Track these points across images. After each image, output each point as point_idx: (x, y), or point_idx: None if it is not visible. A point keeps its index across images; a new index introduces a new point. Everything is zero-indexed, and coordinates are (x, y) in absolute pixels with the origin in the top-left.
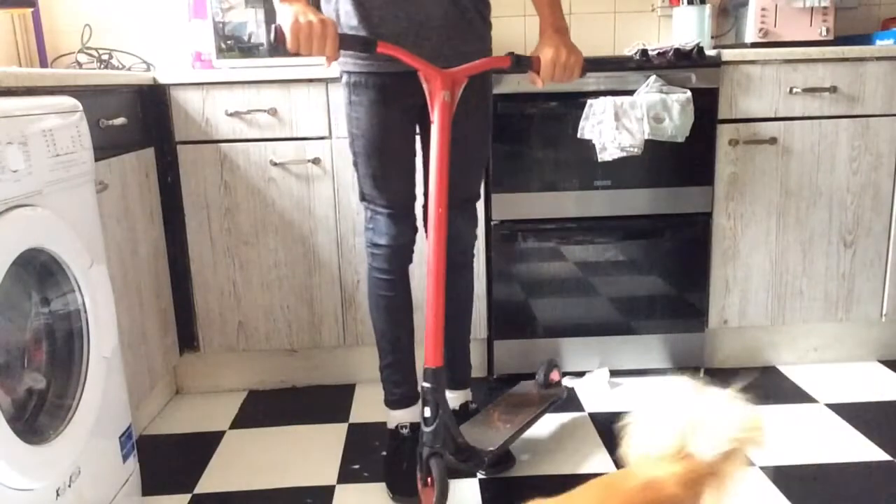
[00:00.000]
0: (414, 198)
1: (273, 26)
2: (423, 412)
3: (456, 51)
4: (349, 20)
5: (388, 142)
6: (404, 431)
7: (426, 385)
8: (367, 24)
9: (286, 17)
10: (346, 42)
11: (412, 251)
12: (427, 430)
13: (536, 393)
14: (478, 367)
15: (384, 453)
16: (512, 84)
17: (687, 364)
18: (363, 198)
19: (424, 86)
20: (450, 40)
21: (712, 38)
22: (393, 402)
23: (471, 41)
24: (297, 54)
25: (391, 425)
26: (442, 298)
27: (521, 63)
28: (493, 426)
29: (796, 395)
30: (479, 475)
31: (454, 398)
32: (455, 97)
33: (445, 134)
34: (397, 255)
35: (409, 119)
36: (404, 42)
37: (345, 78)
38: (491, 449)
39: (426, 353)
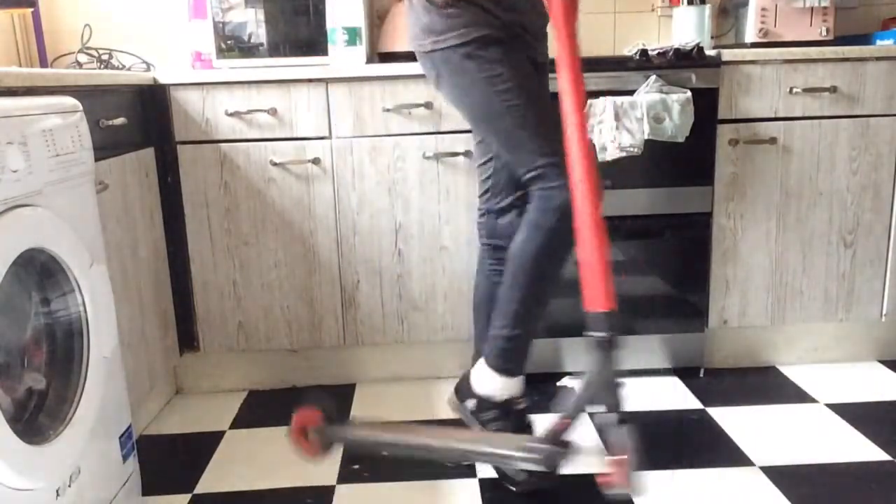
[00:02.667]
0: None
1: None
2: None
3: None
4: None
5: (537, 83)
6: (521, 405)
7: (601, 334)
8: None
9: None
10: None
11: None
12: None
13: None
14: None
15: (497, 423)
16: None
17: (687, 364)
18: (545, 154)
19: None
20: None
21: (712, 38)
22: (508, 372)
23: None
24: None
25: (499, 395)
26: (601, 223)
27: None
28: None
29: (796, 395)
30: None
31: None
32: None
33: (573, 45)
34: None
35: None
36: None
37: (457, 54)
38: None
39: (591, 294)
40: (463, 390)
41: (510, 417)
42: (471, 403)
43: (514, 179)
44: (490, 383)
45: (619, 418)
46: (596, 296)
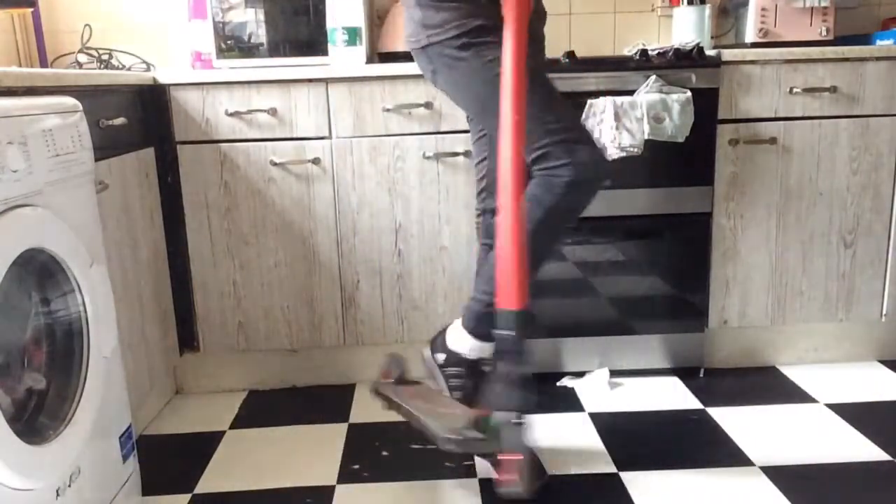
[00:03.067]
0: None
1: None
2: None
3: None
4: None
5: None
6: (486, 367)
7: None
8: None
9: None
10: None
11: None
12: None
13: None
14: None
15: (460, 381)
16: None
17: (687, 364)
18: (550, 132)
19: None
20: None
21: (712, 38)
22: (483, 335)
23: None
24: None
25: (471, 355)
26: (522, 226)
27: None
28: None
29: (796, 395)
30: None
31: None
32: None
33: (521, 42)
34: (597, 186)
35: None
36: None
37: (451, 46)
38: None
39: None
40: (437, 343)
41: (472, 377)
42: (440, 357)
43: None
44: (463, 343)
45: (517, 419)
46: (508, 294)
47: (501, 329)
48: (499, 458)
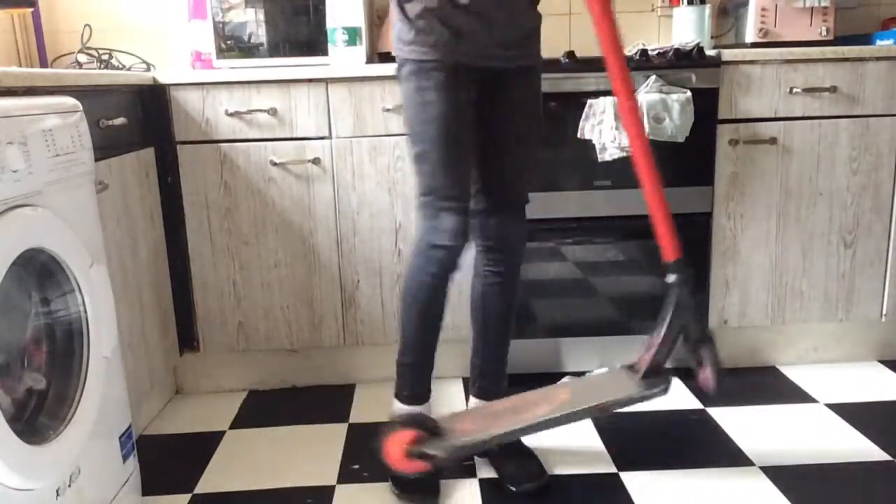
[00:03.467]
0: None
1: None
2: (678, 295)
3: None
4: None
5: (461, 125)
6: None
7: (673, 277)
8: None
9: None
10: None
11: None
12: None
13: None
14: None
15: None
16: None
17: (687, 364)
18: (429, 192)
19: None
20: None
21: (712, 38)
22: (406, 398)
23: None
24: None
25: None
26: (659, 186)
27: None
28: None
29: (796, 395)
30: (481, 476)
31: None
32: None
33: (613, 28)
34: (453, 258)
35: (472, 108)
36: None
37: (409, 67)
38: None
39: (667, 247)
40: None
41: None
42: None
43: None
44: (396, 407)
45: (703, 336)
46: (667, 248)
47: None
48: (697, 371)
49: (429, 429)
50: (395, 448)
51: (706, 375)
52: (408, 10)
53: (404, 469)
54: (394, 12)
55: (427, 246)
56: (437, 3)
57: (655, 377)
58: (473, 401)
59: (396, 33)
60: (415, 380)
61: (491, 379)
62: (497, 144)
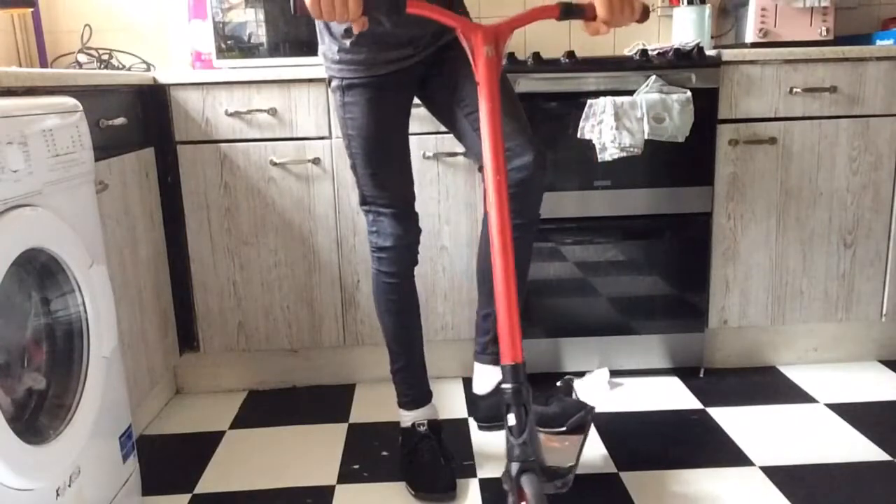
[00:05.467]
0: (414, 196)
1: None
2: (506, 420)
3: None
4: None
5: (385, 138)
6: (422, 429)
7: (506, 386)
8: None
9: None
10: (370, 3)
11: (417, 251)
12: (516, 441)
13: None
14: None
15: (404, 451)
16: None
17: (687, 364)
18: (364, 201)
19: (465, 44)
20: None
21: (712, 38)
22: (406, 404)
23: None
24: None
25: (405, 424)
26: (513, 283)
27: (572, 10)
28: (551, 448)
29: (796, 395)
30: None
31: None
32: (501, 52)
33: (494, 93)
34: (403, 257)
35: (404, 113)
36: None
37: (335, 82)
38: (572, 465)
39: (503, 348)
40: None
41: (409, 443)
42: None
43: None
44: (400, 414)
45: (534, 468)
46: (505, 348)
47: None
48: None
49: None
50: None
51: None
52: (333, 30)
53: None
54: (321, 28)
55: (376, 250)
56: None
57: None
58: (487, 368)
59: (323, 51)
60: (411, 383)
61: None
62: (469, 117)
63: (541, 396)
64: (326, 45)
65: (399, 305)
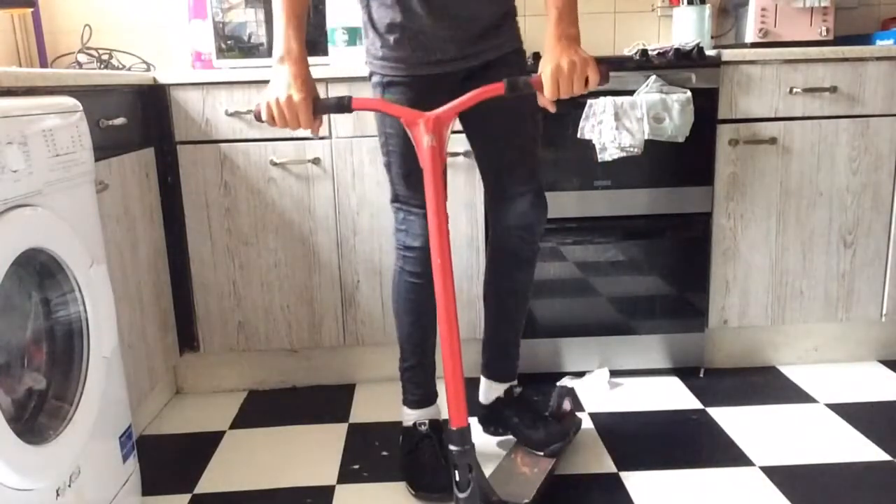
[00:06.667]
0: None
1: (256, 104)
2: (453, 475)
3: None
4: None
5: None
6: (423, 428)
7: (454, 448)
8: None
9: (267, 92)
10: (320, 109)
11: None
12: (462, 496)
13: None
14: (477, 368)
15: (405, 450)
16: None
17: (687, 364)
18: (396, 199)
19: (409, 132)
20: (482, 39)
21: (712, 38)
22: (413, 402)
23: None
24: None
25: (407, 422)
26: (458, 356)
27: (518, 87)
28: (520, 473)
29: (796, 395)
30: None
31: (501, 387)
32: (443, 140)
33: (438, 182)
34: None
35: None
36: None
37: (376, 78)
38: (526, 502)
39: (450, 412)
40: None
41: (410, 443)
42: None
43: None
44: (403, 413)
45: None
46: (452, 413)
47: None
48: None
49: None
50: None
51: None
52: (376, 24)
53: None
54: (364, 23)
55: (403, 249)
56: (402, 17)
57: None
58: (489, 383)
59: (367, 46)
60: (419, 383)
61: (511, 364)
62: (485, 140)
63: (527, 415)
64: (370, 40)
65: (419, 306)
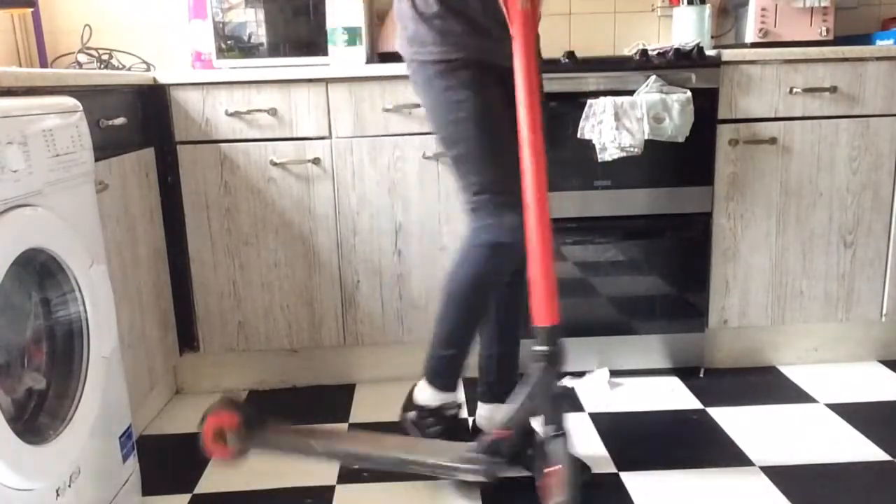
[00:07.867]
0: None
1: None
2: (541, 373)
3: None
4: None
5: (497, 116)
6: (452, 412)
7: (538, 349)
8: None
9: None
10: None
11: None
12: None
13: None
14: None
15: (433, 428)
16: None
17: (687, 364)
18: (482, 190)
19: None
20: None
21: (712, 38)
22: (441, 386)
23: None
24: None
25: (433, 404)
26: (549, 251)
27: None
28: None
29: (796, 395)
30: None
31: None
32: (537, 5)
33: (530, 50)
34: (521, 256)
35: (507, 103)
36: None
37: (432, 69)
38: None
39: (536, 312)
40: (406, 404)
41: (444, 422)
42: (412, 414)
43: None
44: (426, 395)
45: (556, 431)
46: (541, 311)
47: (537, 345)
48: (543, 470)
49: (249, 421)
50: (213, 424)
51: (549, 482)
52: (423, 11)
53: (208, 449)
54: (406, 14)
55: (493, 247)
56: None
57: (490, 456)
58: (500, 408)
59: (411, 36)
60: (453, 371)
61: (508, 384)
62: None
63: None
64: (412, 31)
65: (484, 305)
